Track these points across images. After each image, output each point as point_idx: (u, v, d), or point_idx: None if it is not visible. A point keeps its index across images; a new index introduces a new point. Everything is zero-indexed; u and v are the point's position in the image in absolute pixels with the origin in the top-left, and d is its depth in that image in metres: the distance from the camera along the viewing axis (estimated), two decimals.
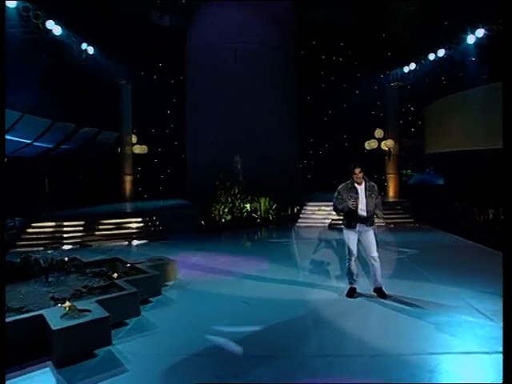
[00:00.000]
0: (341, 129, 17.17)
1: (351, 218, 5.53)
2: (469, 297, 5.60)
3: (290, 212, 13.42)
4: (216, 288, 6.17)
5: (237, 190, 13.04)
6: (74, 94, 12.44)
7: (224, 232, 11.77)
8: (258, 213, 13.07)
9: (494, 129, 10.77)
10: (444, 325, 4.70)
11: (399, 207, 12.93)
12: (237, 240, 10.63)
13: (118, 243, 9.86)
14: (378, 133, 15.05)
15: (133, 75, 15.20)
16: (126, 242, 9.99)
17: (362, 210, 5.48)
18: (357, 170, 5.50)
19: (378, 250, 5.59)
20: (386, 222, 11.87)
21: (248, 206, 12.89)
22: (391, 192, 15.29)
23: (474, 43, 11.40)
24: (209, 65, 14.10)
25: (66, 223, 10.27)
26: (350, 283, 5.71)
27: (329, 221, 12.15)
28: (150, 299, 5.48)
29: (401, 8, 15.60)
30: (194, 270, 7.20)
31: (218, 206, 12.87)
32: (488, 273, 6.72)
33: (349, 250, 5.60)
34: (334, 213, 6.12)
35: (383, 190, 15.85)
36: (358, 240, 5.58)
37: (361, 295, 5.68)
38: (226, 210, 12.88)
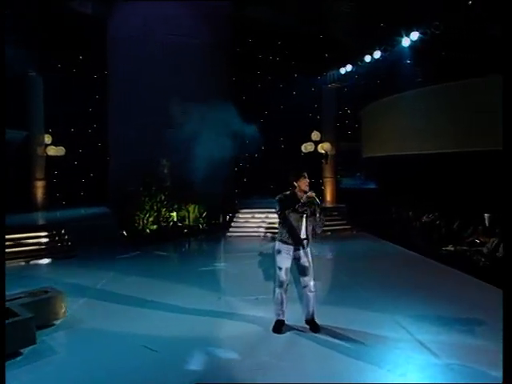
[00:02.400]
0: (277, 131, 16.44)
1: (291, 233, 4.60)
2: (410, 324, 4.91)
3: (221, 220, 12.39)
4: (116, 326, 4.97)
5: (163, 197, 11.79)
6: None
7: (147, 245, 10.46)
8: (186, 222, 11.90)
9: (425, 133, 10.55)
10: (386, 363, 3.95)
11: (336, 213, 12.38)
12: (158, 255, 9.37)
13: (13, 264, 8.23)
14: (315, 135, 14.50)
15: (46, 67, 13.42)
16: (23, 263, 8.38)
17: (303, 229, 4.62)
18: (306, 180, 4.62)
19: (314, 275, 4.73)
20: (323, 230, 11.24)
21: (174, 214, 11.68)
22: (328, 197, 14.82)
23: (409, 46, 11.12)
24: (133, 58, 12.69)
25: None
26: (278, 315, 4.79)
27: (262, 230, 11.31)
28: (21, 350, 4.19)
29: (338, 9, 15.19)
30: (95, 300, 5.93)
31: (141, 215, 11.54)
32: (428, 288, 6.20)
33: (279, 272, 4.68)
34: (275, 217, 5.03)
35: (320, 194, 15.37)
36: (294, 262, 4.69)
37: (290, 328, 4.78)
38: (151, 218, 11.59)
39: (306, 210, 4.48)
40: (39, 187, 13.34)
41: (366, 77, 13.05)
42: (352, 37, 13.13)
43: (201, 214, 12.20)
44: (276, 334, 4.64)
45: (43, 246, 9.05)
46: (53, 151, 13.93)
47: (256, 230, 11.33)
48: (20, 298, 4.99)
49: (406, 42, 11.06)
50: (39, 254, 8.73)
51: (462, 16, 9.75)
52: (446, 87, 9.79)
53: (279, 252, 4.66)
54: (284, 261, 4.63)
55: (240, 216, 12.13)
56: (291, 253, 4.62)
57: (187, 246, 10.32)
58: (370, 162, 14.10)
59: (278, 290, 4.70)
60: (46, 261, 8.56)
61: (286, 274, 4.66)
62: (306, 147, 14.57)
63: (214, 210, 12.59)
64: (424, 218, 10.71)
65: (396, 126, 11.45)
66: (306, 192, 4.54)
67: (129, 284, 6.84)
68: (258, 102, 16.29)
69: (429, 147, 10.21)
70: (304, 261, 4.64)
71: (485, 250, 8.18)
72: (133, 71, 12.63)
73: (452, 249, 8.68)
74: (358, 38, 12.82)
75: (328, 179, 14.98)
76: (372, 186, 15.41)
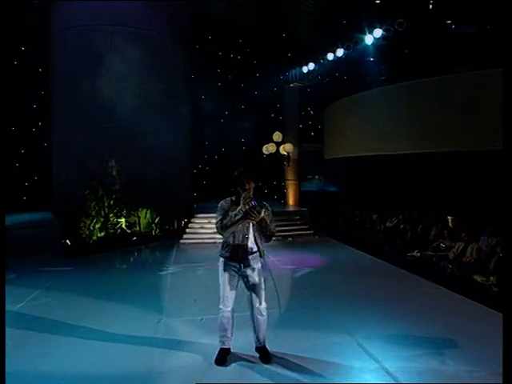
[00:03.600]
0: (238, 131, 15.69)
1: (234, 246, 3.82)
2: (374, 348, 4.24)
3: (176, 225, 11.47)
4: (32, 363, 4.02)
5: (111, 201, 10.74)
6: None
7: (92, 254, 9.42)
8: (137, 228, 10.91)
9: (389, 134, 10.09)
10: None
11: (298, 217, 11.74)
12: (100, 267, 8.35)
13: None
14: (277, 136, 13.87)
15: None
16: None
17: (250, 241, 3.83)
18: (247, 182, 3.75)
19: (266, 294, 3.97)
20: (283, 236, 10.58)
21: (123, 220, 10.66)
22: (291, 200, 14.21)
23: (372, 44, 10.67)
24: (78, 50, 11.51)
25: None
26: (222, 343, 4.00)
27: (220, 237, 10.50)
28: None
29: (300, 7, 14.66)
30: (8, 328, 4.91)
31: (87, 221, 10.46)
32: (393, 301, 5.60)
33: (222, 293, 3.88)
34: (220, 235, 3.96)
35: (283, 197, 14.73)
36: (240, 281, 3.92)
37: (237, 358, 4.00)
38: (98, 225, 10.52)
39: (249, 217, 3.70)
40: None
41: (328, 75, 12.56)
42: (314, 34, 12.58)
43: (153, 220, 11.23)
44: (219, 367, 3.85)
45: None
46: None
47: (212, 236, 10.48)
48: None
49: (369, 39, 10.62)
50: None
51: (424, 13, 9.38)
52: (410, 85, 9.35)
53: (222, 269, 3.88)
54: (228, 279, 3.85)
55: (196, 221, 11.28)
56: (236, 269, 3.85)
57: (136, 254, 9.34)
58: (332, 163, 13.60)
59: (221, 314, 3.91)
60: None
61: (231, 295, 3.87)
62: (268, 148, 13.92)
63: (170, 215, 11.66)
64: (388, 223, 10.23)
65: (359, 126, 10.95)
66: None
67: (58, 304, 5.83)
68: (217, 101, 15.51)
69: (395, 147, 9.76)
70: (253, 279, 3.87)
71: (451, 255, 7.72)
72: (79, 64, 11.49)
73: (418, 254, 8.19)
74: (321, 35, 12.29)
75: (290, 182, 14.39)
76: (335, 188, 14.96)
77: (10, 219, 11.58)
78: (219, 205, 3.88)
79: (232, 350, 4.06)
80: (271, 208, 3.96)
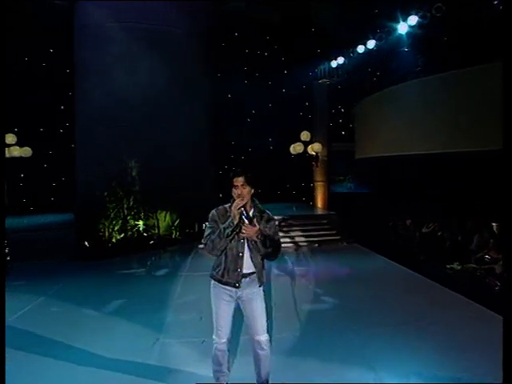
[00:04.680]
0: (265, 131, 14.99)
1: (227, 267, 3.10)
2: None
3: (197, 229, 10.89)
4: None
5: (131, 203, 10.32)
6: None
7: (109, 258, 9.00)
8: (156, 231, 10.42)
9: (426, 131, 9.06)
10: None
11: (325, 221, 10.89)
12: (110, 273, 7.85)
13: None
14: (305, 136, 13.04)
15: (12, 61, 12.06)
16: None
17: (245, 260, 3.08)
18: (238, 181, 2.99)
19: (268, 327, 3.21)
20: (308, 241, 9.78)
21: (141, 223, 10.20)
22: (319, 202, 13.35)
23: (407, 32, 9.66)
24: (100, 48, 11.20)
25: None
26: (217, 378, 3.28)
27: None
28: None
29: None
30: None
31: (106, 223, 10.09)
32: (426, 328, 4.67)
33: (216, 322, 3.17)
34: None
35: (311, 199, 13.89)
36: (237, 309, 3.21)
37: None
38: (117, 227, 10.13)
39: (238, 232, 2.97)
40: None
41: (359, 70, 11.59)
42: (343, 26, 11.64)
43: (173, 223, 10.71)
44: None
45: None
46: (18, 152, 12.52)
47: None
48: None
49: (403, 28, 9.63)
50: None
51: None
52: (450, 76, 8.29)
53: (214, 294, 3.18)
54: (221, 306, 3.13)
55: None
56: (232, 295, 3.13)
57: (151, 259, 8.82)
58: (363, 163, 12.61)
59: (214, 346, 3.21)
60: None
61: (226, 324, 3.16)
62: (295, 148, 13.11)
63: (191, 218, 11.10)
64: (423, 229, 9.20)
65: (392, 123, 9.95)
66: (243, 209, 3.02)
67: (56, 315, 5.37)
68: (244, 99, 14.87)
69: (431, 146, 8.72)
70: (251, 306, 3.13)
71: (497, 269, 6.67)
72: (99, 63, 11.17)
73: (458, 267, 7.16)
74: (350, 27, 11.34)
75: (319, 183, 13.53)
76: (366, 190, 13.91)
77: (31, 220, 11.50)
78: (209, 215, 3.18)
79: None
80: (272, 216, 3.21)
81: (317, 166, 13.26)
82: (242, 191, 3.00)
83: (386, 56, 10.41)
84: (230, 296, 3.11)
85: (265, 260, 3.19)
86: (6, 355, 4.15)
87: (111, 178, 10.32)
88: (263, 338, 3.13)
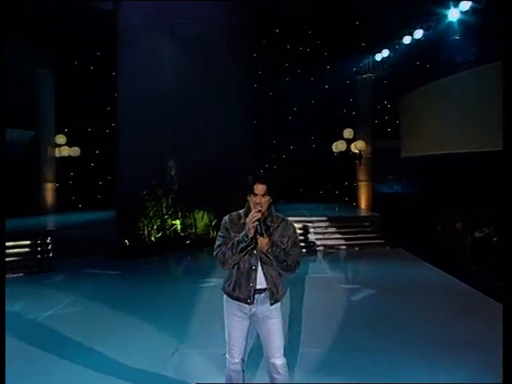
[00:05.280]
0: (308, 129, 14.50)
1: (238, 281, 2.77)
2: None
3: None
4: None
5: (169, 202, 10.31)
6: None
7: (146, 257, 9.00)
8: (193, 230, 10.31)
9: (480, 126, 8.20)
10: None
11: (368, 223, 10.26)
12: (144, 273, 7.77)
13: None
14: (348, 133, 12.44)
15: (58, 64, 12.48)
16: None
17: (259, 274, 2.71)
18: (259, 189, 2.63)
19: (284, 349, 2.80)
20: (349, 245, 9.25)
21: (178, 222, 10.14)
22: (363, 203, 12.68)
23: (458, 19, 8.81)
24: (141, 48, 11.31)
25: None
26: None
27: None
28: None
29: None
30: (22, 342, 4.43)
31: (146, 222, 10.14)
32: (483, 359, 4.00)
33: (228, 340, 2.83)
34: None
35: (355, 200, 13.23)
36: (252, 327, 2.86)
37: None
38: (156, 226, 10.15)
39: (252, 246, 2.63)
40: (49, 189, 12.39)
41: (406, 62, 10.79)
42: (388, 16, 10.87)
43: (211, 222, 10.56)
44: None
45: (20, 258, 7.82)
46: (67, 152, 12.99)
47: None
48: None
49: (453, 14, 8.79)
50: (14, 267, 7.48)
51: None
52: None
53: (226, 310, 2.86)
54: (234, 323, 2.81)
55: None
56: (245, 311, 2.79)
57: (186, 260, 8.71)
58: (410, 162, 11.77)
59: (227, 365, 2.90)
60: (16, 275, 7.29)
61: (239, 343, 2.83)
62: (338, 146, 12.56)
63: None
64: (476, 233, 8.36)
65: (442, 119, 9.13)
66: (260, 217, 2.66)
67: (83, 317, 5.31)
68: (285, 97, 14.48)
69: (488, 143, 7.86)
70: (267, 326, 2.77)
71: None
72: (140, 63, 11.27)
73: None
74: (395, 17, 10.56)
75: (362, 183, 12.85)
76: (413, 190, 13.00)
77: (79, 217, 11.81)
78: (222, 222, 2.86)
79: None
80: (291, 225, 2.83)
81: (360, 165, 12.60)
82: (261, 200, 2.64)
83: (434, 46, 9.58)
84: (244, 312, 2.77)
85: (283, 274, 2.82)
86: (26, 353, 4.14)
87: (151, 177, 10.38)
88: (279, 361, 2.76)
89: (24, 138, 11.86)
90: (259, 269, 2.71)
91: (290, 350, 4.09)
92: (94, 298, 6.06)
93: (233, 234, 2.69)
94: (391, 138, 12.86)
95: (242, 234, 2.59)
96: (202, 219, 10.45)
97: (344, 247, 9.20)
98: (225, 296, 2.85)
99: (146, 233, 10.11)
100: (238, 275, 2.73)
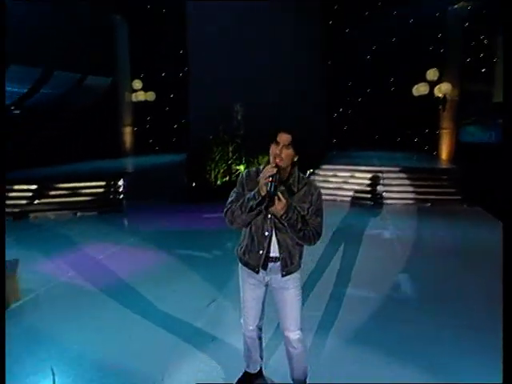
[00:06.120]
0: (387, 69, 13.05)
1: (249, 246, 2.49)
2: None
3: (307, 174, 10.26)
4: (59, 330, 3.68)
5: (235, 146, 10.19)
6: (42, 33, 9.91)
7: (212, 201, 9.05)
8: None
9: None
10: None
11: (445, 177, 9.19)
12: (203, 217, 7.88)
13: (62, 215, 7.75)
14: (431, 74, 10.90)
15: (132, 10, 12.44)
16: (71, 214, 7.81)
17: (272, 242, 2.42)
18: (282, 138, 2.28)
19: (301, 323, 2.54)
20: (419, 199, 8.42)
21: (243, 167, 10.01)
22: (444, 153, 11.36)
23: None
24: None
25: (16, 187, 8.31)
26: (247, 366, 2.87)
27: (344, 194, 8.95)
28: None
29: None
30: (76, 280, 4.76)
31: (212, 166, 10.20)
32: None
33: (243, 308, 2.66)
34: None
35: (435, 149, 11.90)
36: (267, 296, 2.64)
37: None
38: (222, 170, 10.18)
39: (265, 205, 2.30)
40: (127, 133, 12.95)
41: None
42: None
43: None
44: None
45: (95, 198, 8.39)
46: (142, 96, 13.29)
47: (332, 192, 9.02)
48: None
49: None
50: (88, 206, 8.06)
51: None
52: None
53: (241, 275, 2.64)
54: (247, 291, 2.60)
55: (319, 173, 9.86)
56: (259, 279, 2.55)
57: None
58: (503, 109, 10.06)
59: (243, 331, 2.74)
60: (90, 214, 7.86)
61: (253, 312, 2.63)
62: (419, 89, 11.13)
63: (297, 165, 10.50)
64: None
65: None
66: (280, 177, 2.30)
67: (137, 258, 5.54)
68: (364, 34, 13.02)
69: None
70: (283, 297, 2.52)
71: None
72: (214, 6, 10.86)
73: None
74: None
75: (445, 131, 11.42)
76: (503, 142, 11.20)
77: (148, 160, 12.21)
78: (239, 178, 2.55)
79: (265, 375, 2.93)
80: (316, 189, 2.44)
81: (444, 111, 11.13)
82: (282, 152, 2.28)
83: None
84: (257, 280, 2.54)
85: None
86: (80, 293, 4.43)
87: (219, 121, 10.27)
88: (293, 335, 2.52)
89: (102, 84, 12.30)
90: (273, 235, 2.41)
91: (327, 314, 3.86)
92: (152, 240, 6.24)
93: (247, 191, 2.38)
94: (483, 80, 11.02)
95: (254, 192, 2.27)
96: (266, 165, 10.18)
97: (414, 202, 8.40)
98: (240, 262, 2.62)
99: (212, 177, 10.20)
100: (250, 240, 2.47)
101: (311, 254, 5.24)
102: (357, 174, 9.34)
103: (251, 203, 2.27)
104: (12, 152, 9.82)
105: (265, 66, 10.88)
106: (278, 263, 2.45)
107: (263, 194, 2.22)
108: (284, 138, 2.29)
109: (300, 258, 2.51)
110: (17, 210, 7.73)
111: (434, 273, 4.92)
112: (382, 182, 8.94)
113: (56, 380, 2.97)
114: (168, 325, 3.69)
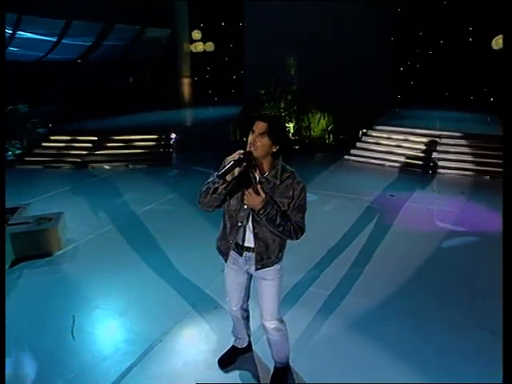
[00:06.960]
0: (464, 18, 11.43)
1: (224, 234, 2.47)
2: None
3: (351, 136, 9.67)
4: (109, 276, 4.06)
5: (288, 102, 9.82)
6: None
7: None
8: (307, 134, 9.77)
9: None
10: None
11: None
12: None
13: (116, 166, 8.24)
14: None
15: None
16: (124, 167, 8.26)
17: (247, 233, 2.37)
18: (258, 126, 2.18)
19: (278, 313, 2.54)
20: (477, 171, 7.62)
21: (292, 125, 9.67)
22: None
23: None
24: None
25: (79, 138, 8.93)
26: (235, 340, 2.97)
27: (392, 158, 8.35)
28: None
29: None
30: (113, 234, 5.12)
31: None
32: None
33: (227, 290, 2.70)
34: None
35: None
36: (248, 284, 2.65)
37: (244, 360, 2.95)
38: None
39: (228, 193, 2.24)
40: (186, 84, 13.03)
41: None
42: None
43: (327, 127, 9.80)
44: (219, 369, 2.90)
45: (146, 151, 8.74)
46: (201, 47, 13.16)
47: (381, 156, 8.45)
48: (25, 223, 4.62)
49: None
50: (140, 159, 8.44)
51: None
52: None
53: (226, 263, 2.62)
54: (229, 274, 2.62)
55: (372, 134, 9.25)
56: (240, 265, 2.52)
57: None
58: None
59: (230, 311, 2.80)
60: (140, 166, 8.23)
61: (236, 295, 2.66)
62: (499, 42, 9.67)
63: (350, 123, 9.90)
64: None
65: None
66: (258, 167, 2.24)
67: (168, 214, 5.76)
68: None
69: None
70: (261, 286, 2.50)
71: None
72: None
73: None
74: None
75: None
76: None
77: (206, 112, 12.23)
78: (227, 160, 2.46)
79: (254, 349, 3.02)
80: (299, 183, 2.30)
81: None
82: (255, 141, 2.17)
83: None
84: (239, 267, 2.52)
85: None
86: (111, 248, 4.76)
87: (270, 75, 9.92)
88: (269, 324, 2.53)
89: (162, 35, 12.29)
90: (250, 226, 2.33)
91: (334, 294, 3.78)
92: (187, 197, 6.22)
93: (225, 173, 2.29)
94: None
95: (217, 173, 2.18)
96: (317, 123, 9.77)
97: (471, 173, 7.61)
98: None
99: None
100: (223, 227, 2.47)
101: (337, 228, 5.08)
102: (411, 138, 8.62)
103: (213, 186, 2.20)
104: (78, 104, 10.47)
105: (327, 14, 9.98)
106: (248, 254, 2.41)
107: (221, 175, 2.14)
108: (259, 126, 2.18)
109: (280, 251, 2.42)
110: (79, 160, 8.33)
111: (468, 256, 4.52)
112: (438, 148, 8.18)
113: (74, 327, 3.32)
114: (180, 288, 3.88)
